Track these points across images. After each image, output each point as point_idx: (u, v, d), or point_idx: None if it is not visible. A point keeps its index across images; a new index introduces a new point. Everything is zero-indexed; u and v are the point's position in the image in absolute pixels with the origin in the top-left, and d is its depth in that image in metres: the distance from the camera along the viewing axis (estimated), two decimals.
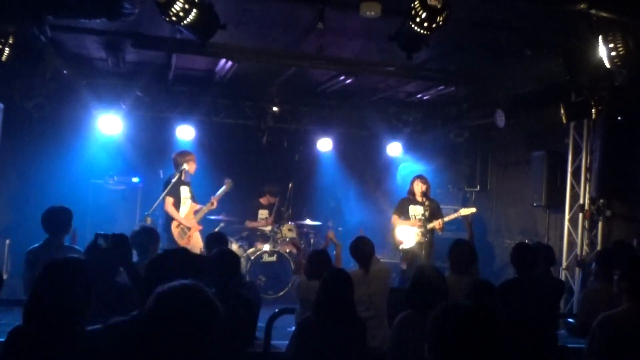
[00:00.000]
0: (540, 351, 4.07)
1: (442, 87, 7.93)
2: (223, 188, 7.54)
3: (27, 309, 2.40)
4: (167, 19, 4.02)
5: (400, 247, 7.66)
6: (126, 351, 2.25)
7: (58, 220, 4.67)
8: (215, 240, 5.03)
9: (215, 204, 7.39)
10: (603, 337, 3.32)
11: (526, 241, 7.45)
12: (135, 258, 4.46)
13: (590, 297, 4.66)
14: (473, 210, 7.87)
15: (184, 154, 7.22)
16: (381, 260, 8.31)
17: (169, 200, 6.92)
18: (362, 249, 4.92)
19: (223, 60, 7.00)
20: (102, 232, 3.21)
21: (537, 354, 3.99)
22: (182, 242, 6.96)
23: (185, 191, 7.20)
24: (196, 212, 7.27)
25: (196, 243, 7.19)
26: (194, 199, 7.32)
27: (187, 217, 7.11)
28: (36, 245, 4.66)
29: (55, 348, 2.31)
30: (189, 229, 7.06)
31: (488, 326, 2.14)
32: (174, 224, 6.98)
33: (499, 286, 4.50)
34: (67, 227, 4.72)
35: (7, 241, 7.86)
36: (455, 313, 2.19)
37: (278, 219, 8.56)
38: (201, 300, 1.87)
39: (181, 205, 7.13)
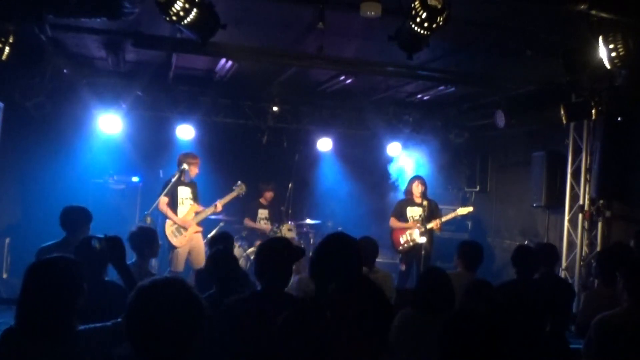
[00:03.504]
0: (540, 352, 4.06)
1: (442, 87, 7.93)
2: (233, 192, 7.55)
3: (18, 309, 2.38)
4: (167, 19, 4.01)
5: (400, 248, 7.67)
6: (117, 349, 2.25)
7: (77, 218, 4.64)
8: (219, 239, 5.03)
9: (219, 207, 7.38)
10: (599, 338, 3.33)
11: (526, 242, 7.46)
12: (133, 259, 4.47)
13: (590, 299, 4.66)
14: (470, 209, 7.90)
15: (187, 156, 7.25)
16: (381, 260, 8.36)
17: (163, 200, 6.97)
18: (365, 248, 4.92)
19: (223, 60, 7.00)
20: (97, 234, 3.20)
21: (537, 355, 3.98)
22: (174, 242, 6.98)
23: (184, 192, 7.21)
24: (197, 213, 7.27)
25: (197, 244, 7.20)
26: (196, 200, 7.31)
27: (185, 218, 7.12)
28: (51, 242, 4.58)
29: (46, 348, 2.29)
30: (184, 229, 7.06)
31: (499, 331, 2.15)
32: (167, 223, 7.03)
33: (496, 287, 4.50)
34: (84, 227, 4.67)
35: (7, 240, 7.87)
36: (467, 319, 2.21)
37: (278, 219, 8.56)
38: (183, 294, 1.83)
39: (179, 205, 7.14)
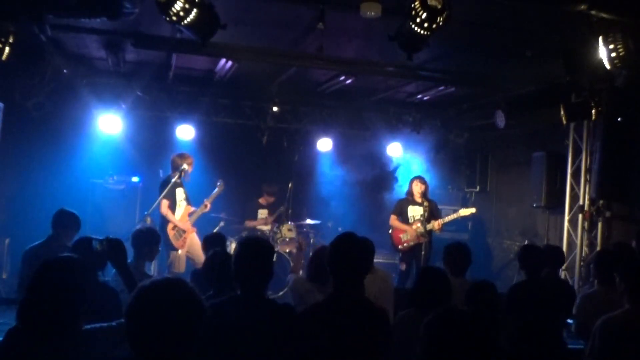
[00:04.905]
0: (547, 353, 4.06)
1: (442, 88, 7.93)
2: (216, 190, 7.59)
3: (22, 308, 2.38)
4: (167, 19, 4.01)
5: (400, 247, 7.67)
6: (120, 349, 2.24)
7: (69, 223, 4.81)
8: (213, 241, 5.02)
9: (208, 206, 7.40)
10: (603, 340, 3.32)
11: (525, 242, 7.45)
12: (130, 258, 4.47)
13: (588, 299, 4.66)
14: (473, 210, 7.89)
15: (184, 156, 7.24)
16: (381, 260, 8.37)
17: (165, 202, 6.96)
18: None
19: (223, 60, 7.00)
20: (98, 237, 3.21)
21: (545, 356, 3.98)
22: (177, 244, 6.98)
23: (180, 193, 7.21)
24: (190, 214, 7.27)
25: (194, 244, 7.19)
26: (188, 200, 7.32)
27: (182, 219, 7.12)
28: (36, 243, 4.65)
29: (52, 348, 2.29)
30: (184, 231, 7.07)
31: (484, 331, 2.12)
32: (169, 226, 7.00)
33: (509, 289, 4.48)
34: (72, 233, 4.75)
35: (7, 240, 7.87)
36: (450, 318, 2.15)
37: (279, 220, 8.57)
38: (183, 295, 1.83)
39: (176, 207, 7.14)
